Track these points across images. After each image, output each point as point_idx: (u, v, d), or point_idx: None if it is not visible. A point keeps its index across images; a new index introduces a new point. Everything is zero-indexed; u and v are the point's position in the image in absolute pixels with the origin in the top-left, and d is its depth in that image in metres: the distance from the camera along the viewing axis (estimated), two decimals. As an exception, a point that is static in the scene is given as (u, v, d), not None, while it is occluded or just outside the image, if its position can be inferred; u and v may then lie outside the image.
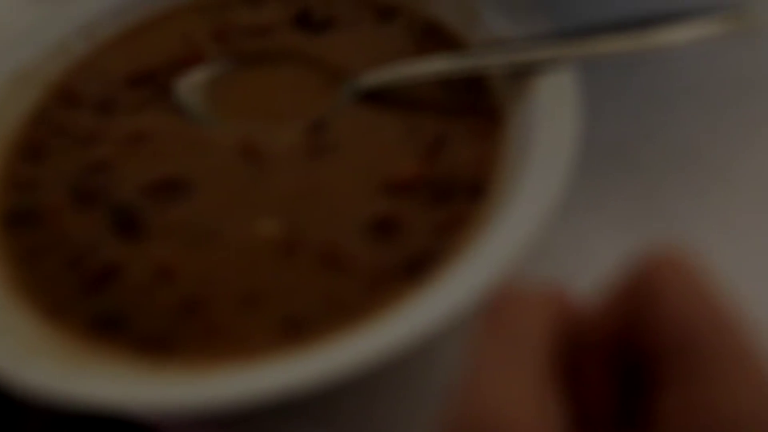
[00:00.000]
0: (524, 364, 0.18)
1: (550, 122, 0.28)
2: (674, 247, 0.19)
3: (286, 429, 0.26)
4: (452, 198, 0.28)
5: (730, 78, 0.34)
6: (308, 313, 0.26)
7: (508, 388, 0.18)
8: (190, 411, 0.22)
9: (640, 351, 0.19)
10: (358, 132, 0.31)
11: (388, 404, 0.27)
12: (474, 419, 0.17)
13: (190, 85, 0.34)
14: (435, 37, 0.35)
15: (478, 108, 0.31)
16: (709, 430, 0.17)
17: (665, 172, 0.32)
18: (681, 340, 0.18)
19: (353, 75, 0.33)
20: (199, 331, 0.25)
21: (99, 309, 0.26)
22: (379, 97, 0.32)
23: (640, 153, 0.33)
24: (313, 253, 0.27)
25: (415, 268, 0.26)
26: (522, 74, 0.31)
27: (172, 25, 0.37)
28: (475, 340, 0.19)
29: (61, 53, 0.35)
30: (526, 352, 0.18)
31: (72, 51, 0.35)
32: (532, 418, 0.17)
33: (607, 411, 0.19)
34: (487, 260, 0.24)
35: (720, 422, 0.17)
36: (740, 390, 0.17)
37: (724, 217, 0.30)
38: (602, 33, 0.30)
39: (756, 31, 0.28)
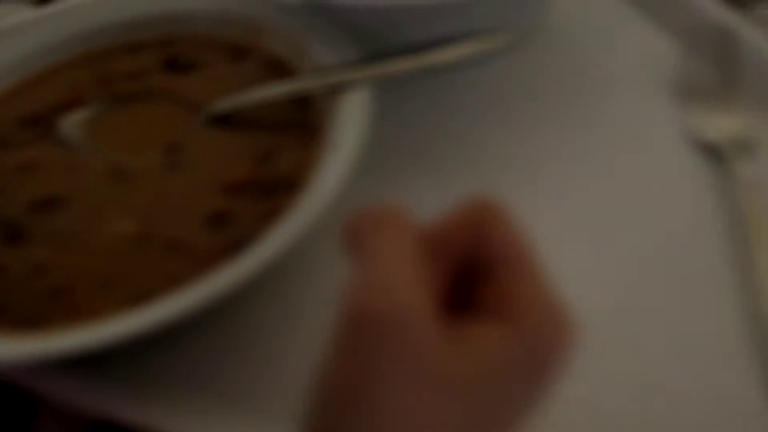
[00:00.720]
0: (407, 262, 0.24)
1: (348, 129, 0.35)
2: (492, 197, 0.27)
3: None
4: (274, 194, 0.35)
5: (516, 87, 0.42)
6: (152, 288, 0.32)
7: (400, 278, 0.23)
8: (39, 359, 0.28)
9: (477, 256, 0.26)
10: (206, 149, 0.38)
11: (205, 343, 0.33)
12: (376, 307, 0.23)
13: (72, 123, 0.41)
14: (278, 70, 0.42)
15: (303, 122, 0.39)
16: (504, 313, 0.25)
17: (459, 166, 0.39)
18: (506, 253, 0.26)
19: (208, 105, 0.40)
20: (64, 310, 0.32)
21: (-14, 300, 0.33)
22: (227, 120, 0.39)
23: (439, 152, 0.40)
24: (159, 243, 0.34)
25: (238, 246, 0.33)
26: (335, 93, 0.38)
27: (61, 76, 0.44)
28: (354, 253, 0.25)
29: (-35, 104, 0.42)
30: (407, 252, 0.24)
31: (-26, 102, 0.42)
32: (421, 302, 0.23)
33: (448, 298, 0.26)
34: (280, 237, 0.31)
35: (511, 310, 0.25)
36: (534, 297, 0.25)
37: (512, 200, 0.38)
38: (394, 57, 0.38)
39: (501, 50, 0.36)
